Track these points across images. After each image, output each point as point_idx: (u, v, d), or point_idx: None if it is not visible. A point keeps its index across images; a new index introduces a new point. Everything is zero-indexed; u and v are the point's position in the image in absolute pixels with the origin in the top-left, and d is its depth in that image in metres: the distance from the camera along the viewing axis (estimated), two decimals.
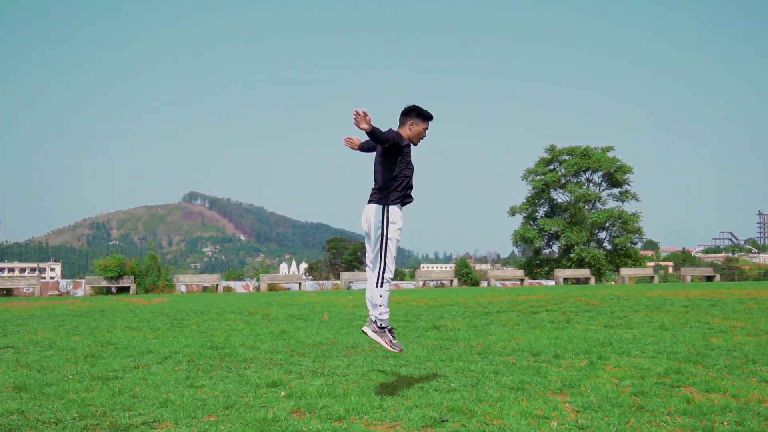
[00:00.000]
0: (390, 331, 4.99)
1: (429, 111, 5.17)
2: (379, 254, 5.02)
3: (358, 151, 5.42)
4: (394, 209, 5.08)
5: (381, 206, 5.06)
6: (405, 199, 5.16)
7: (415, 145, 5.23)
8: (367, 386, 5.50)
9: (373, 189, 5.20)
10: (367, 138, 5.06)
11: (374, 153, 5.25)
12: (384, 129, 4.86)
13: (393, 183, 5.08)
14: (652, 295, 16.14)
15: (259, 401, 5.03)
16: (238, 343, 8.32)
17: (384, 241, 5.01)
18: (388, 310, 5.04)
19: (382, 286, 5.00)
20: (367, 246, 5.20)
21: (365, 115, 4.63)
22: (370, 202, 5.15)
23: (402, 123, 5.18)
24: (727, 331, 8.72)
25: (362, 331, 5.02)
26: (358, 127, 4.69)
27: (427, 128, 5.20)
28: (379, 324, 4.99)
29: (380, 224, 5.04)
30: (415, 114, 5.12)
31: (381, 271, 5.00)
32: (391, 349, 4.94)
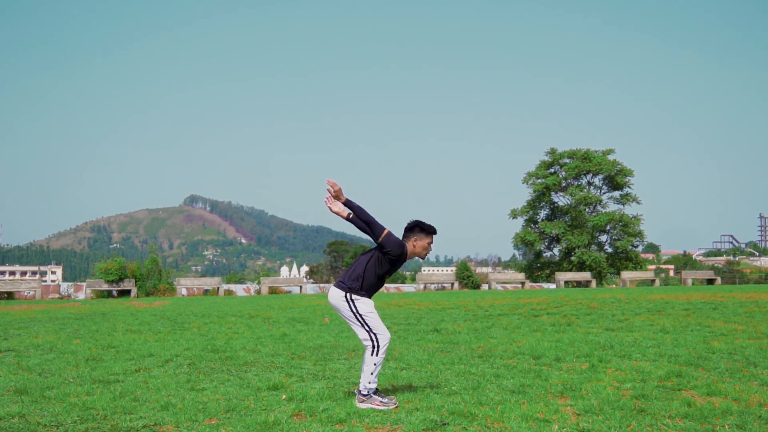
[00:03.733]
0: (376, 392, 4.96)
1: (432, 226, 5.16)
2: (365, 331, 4.98)
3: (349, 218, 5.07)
4: (355, 294, 5.01)
5: (343, 293, 5.01)
6: (370, 295, 5.09)
7: (422, 258, 5.28)
8: None
9: (347, 277, 5.09)
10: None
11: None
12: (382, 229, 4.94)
13: (370, 282, 5.04)
14: (653, 299, 16.12)
15: (260, 404, 5.04)
16: (239, 346, 8.33)
17: (362, 321, 4.98)
18: (377, 378, 4.98)
19: (377, 355, 4.96)
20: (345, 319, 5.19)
21: (338, 192, 4.93)
22: (336, 286, 5.09)
23: (406, 238, 5.14)
24: (728, 335, 8.72)
25: (356, 405, 4.94)
26: (332, 202, 4.99)
27: (431, 242, 5.17)
28: (365, 392, 4.93)
29: (348, 310, 4.98)
30: (419, 230, 5.12)
31: (375, 341, 4.96)
32: (386, 407, 4.85)
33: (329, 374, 6.33)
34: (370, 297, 5.08)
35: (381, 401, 4.89)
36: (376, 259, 5.03)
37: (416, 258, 5.21)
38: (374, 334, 4.97)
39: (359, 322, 4.99)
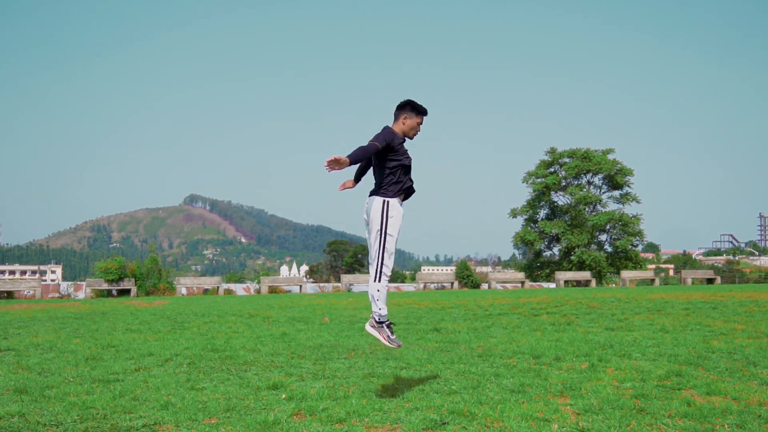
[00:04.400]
0: (388, 326, 5.05)
1: (424, 106, 5.20)
2: (377, 250, 5.09)
3: (359, 180, 5.45)
4: (394, 204, 5.12)
5: (381, 199, 5.11)
6: (406, 189, 5.19)
7: (410, 138, 5.26)
8: (368, 389, 5.50)
9: (374, 184, 5.25)
10: (356, 168, 5.29)
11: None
12: (366, 141, 5.00)
13: (391, 177, 5.14)
14: (653, 298, 16.12)
15: (259, 404, 5.04)
16: (239, 346, 8.32)
17: (383, 237, 5.07)
18: (385, 306, 5.12)
19: (379, 281, 5.07)
20: (368, 241, 5.27)
21: (335, 161, 4.60)
22: (371, 194, 5.19)
23: (396, 117, 5.21)
24: (727, 334, 8.71)
25: (365, 329, 5.11)
26: (336, 170, 4.65)
27: (421, 123, 5.21)
28: (377, 318, 5.08)
29: (379, 218, 5.08)
30: (410, 108, 5.16)
31: (379, 266, 5.08)
32: (389, 344, 4.99)
33: (329, 373, 6.33)
34: (402, 194, 5.15)
35: (388, 337, 5.00)
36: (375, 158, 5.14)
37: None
38: (381, 258, 5.04)
39: (380, 240, 5.04)
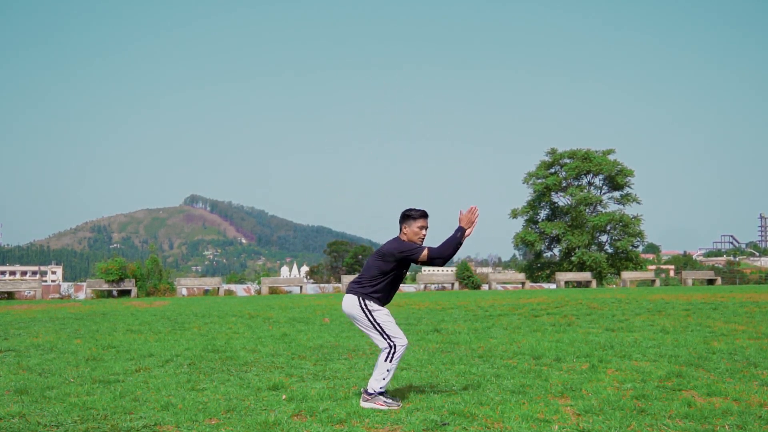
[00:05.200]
0: (382, 393, 4.96)
1: (418, 209, 5.17)
2: (381, 337, 4.98)
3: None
4: (370, 302, 5.02)
5: (356, 297, 5.02)
6: (385, 300, 5.11)
7: (419, 244, 5.19)
8: None
9: (356, 279, 5.15)
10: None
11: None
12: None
13: (380, 282, 5.06)
14: (654, 299, 16.12)
15: (260, 404, 5.04)
16: (240, 347, 8.33)
17: (381, 329, 4.98)
18: (387, 382, 4.98)
19: (391, 362, 4.96)
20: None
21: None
22: (350, 291, 5.09)
23: (401, 230, 5.18)
24: (728, 335, 8.71)
25: (360, 405, 4.95)
26: (471, 224, 5.06)
27: (423, 225, 5.15)
28: (369, 391, 4.94)
29: (363, 315, 5.00)
30: (404, 217, 5.16)
31: (392, 348, 4.96)
32: (388, 408, 4.86)
33: (329, 374, 6.33)
34: (384, 303, 5.08)
35: (384, 401, 4.89)
36: (380, 257, 5.07)
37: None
38: (393, 340, 4.96)
39: (378, 330, 4.98)
